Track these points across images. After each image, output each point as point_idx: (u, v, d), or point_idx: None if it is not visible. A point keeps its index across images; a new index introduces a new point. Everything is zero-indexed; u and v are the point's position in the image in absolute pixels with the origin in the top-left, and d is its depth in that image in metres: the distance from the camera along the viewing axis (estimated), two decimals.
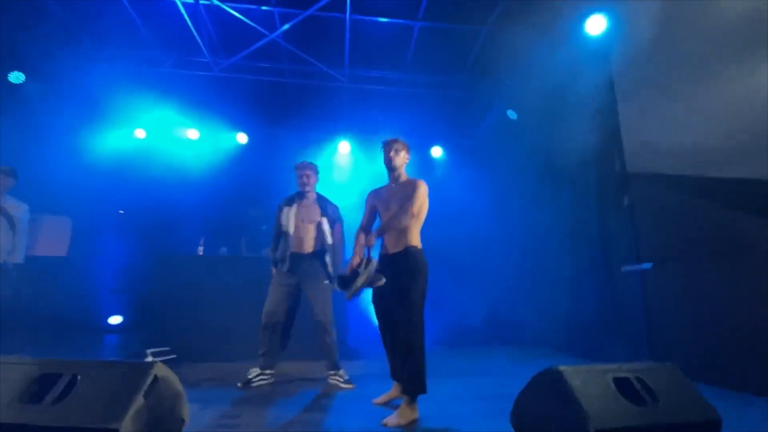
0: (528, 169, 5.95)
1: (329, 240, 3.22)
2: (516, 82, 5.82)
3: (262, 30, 5.15)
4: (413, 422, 2.13)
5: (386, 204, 2.53)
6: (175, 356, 3.78)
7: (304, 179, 3.30)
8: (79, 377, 1.39)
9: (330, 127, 7.16)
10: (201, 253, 4.29)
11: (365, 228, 2.62)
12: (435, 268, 4.95)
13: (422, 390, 2.23)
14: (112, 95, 6.17)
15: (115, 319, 6.39)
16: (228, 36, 5.50)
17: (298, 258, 3.16)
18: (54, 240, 6.91)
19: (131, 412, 1.31)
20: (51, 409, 1.30)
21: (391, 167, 2.56)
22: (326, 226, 3.23)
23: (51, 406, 1.31)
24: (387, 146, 2.59)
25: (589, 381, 1.45)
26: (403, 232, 2.41)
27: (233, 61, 5.70)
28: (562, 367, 1.47)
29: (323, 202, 3.35)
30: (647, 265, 3.80)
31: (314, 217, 3.24)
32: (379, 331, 2.57)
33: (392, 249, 2.42)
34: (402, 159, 2.59)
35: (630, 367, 1.55)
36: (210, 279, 4.11)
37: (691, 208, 3.49)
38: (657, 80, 3.76)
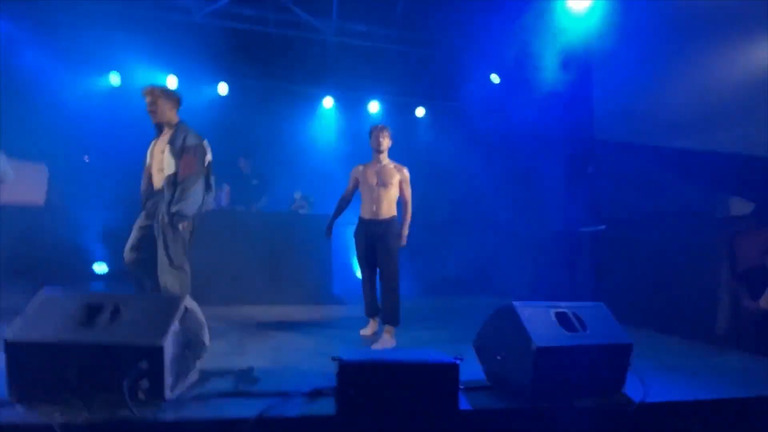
0: (507, 134, 6.23)
1: (165, 171, 2.67)
2: (500, 47, 5.93)
3: None
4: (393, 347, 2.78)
5: (371, 179, 3.05)
6: None
7: (152, 107, 2.78)
8: (121, 307, 1.66)
9: (313, 80, 7.10)
10: None
11: (346, 197, 3.23)
12: (419, 224, 5.29)
13: (398, 322, 2.92)
14: (86, 36, 5.87)
15: (100, 267, 6.53)
16: None
17: (149, 196, 2.79)
18: (30, 188, 6.80)
19: (169, 333, 1.61)
20: (104, 331, 1.58)
21: (379, 150, 3.07)
22: (167, 157, 2.66)
23: (102, 328, 1.59)
24: (376, 131, 3.09)
25: (535, 314, 1.85)
26: (390, 204, 3.05)
27: (216, 6, 5.50)
28: (515, 303, 1.86)
29: (178, 132, 2.76)
30: (601, 227, 4.28)
31: (162, 148, 2.72)
32: (362, 278, 3.16)
33: (381, 216, 3.02)
34: (387, 143, 3.11)
35: (568, 305, 1.96)
36: (205, 231, 4.31)
37: (647, 174, 3.89)
38: (634, 49, 3.96)
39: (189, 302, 1.78)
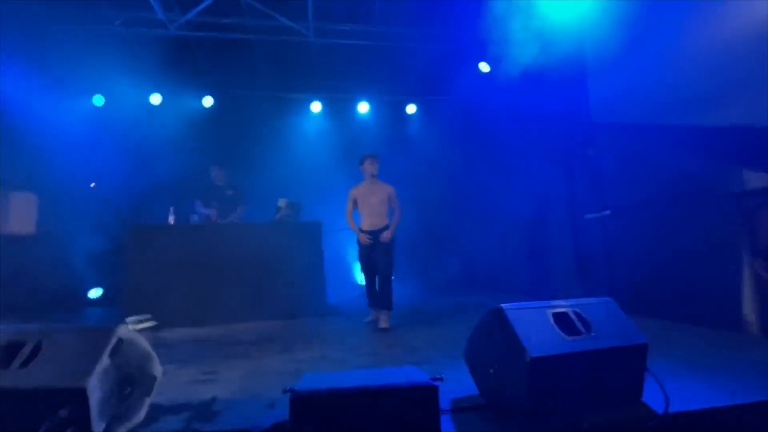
0: (500, 124, 5.97)
1: None
2: (486, 33, 5.67)
3: None
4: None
5: (367, 197, 3.77)
6: (156, 323, 3.86)
7: None
8: (43, 343, 1.44)
9: (300, 85, 6.92)
10: (172, 222, 4.26)
11: (350, 214, 3.86)
12: (413, 224, 5.18)
13: (392, 307, 3.60)
14: (64, 60, 5.78)
15: (95, 292, 6.39)
16: None
17: None
18: (22, 217, 6.72)
19: (97, 371, 1.37)
20: (18, 373, 1.36)
21: (373, 175, 3.79)
22: None
23: (18, 370, 1.36)
24: (370, 160, 3.79)
25: (528, 317, 1.58)
26: (383, 215, 3.76)
27: (189, 17, 5.35)
28: (504, 306, 1.59)
29: None
30: (607, 213, 3.98)
31: None
32: (364, 275, 3.87)
33: (378, 226, 3.73)
34: (377, 168, 3.80)
35: (568, 303, 1.69)
36: (183, 247, 4.12)
37: (650, 155, 3.61)
38: (626, 29, 3.74)
39: (125, 332, 1.55)
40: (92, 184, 6.55)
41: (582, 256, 4.29)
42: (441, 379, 1.35)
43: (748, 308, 2.83)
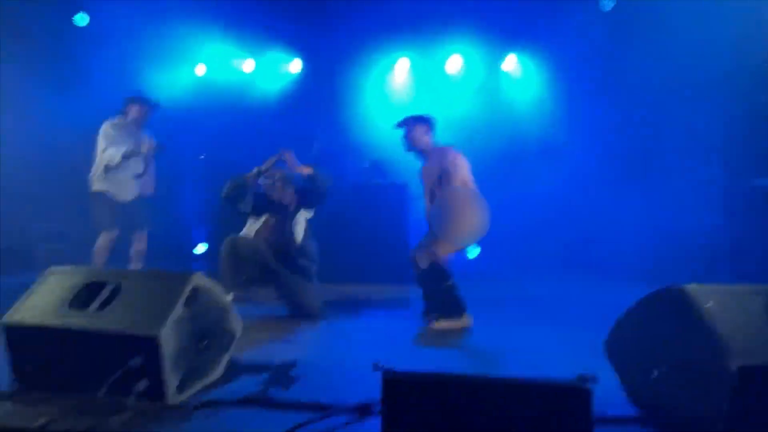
0: (638, 72, 4.77)
1: None
2: None
3: None
4: None
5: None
6: None
7: None
8: (123, 286, 1.34)
9: (385, 43, 6.47)
10: None
11: None
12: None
13: None
14: (159, 31, 5.96)
15: (201, 248, 6.95)
16: None
17: None
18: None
19: (171, 320, 1.23)
20: (95, 316, 1.27)
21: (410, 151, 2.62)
22: None
23: (95, 312, 1.28)
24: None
25: (728, 305, 1.06)
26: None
27: None
28: (688, 286, 1.09)
29: None
30: None
31: None
32: None
33: None
34: (417, 141, 2.56)
35: None
36: None
37: None
38: None
39: (201, 281, 1.39)
40: (202, 156, 6.94)
41: (741, 235, 3.33)
42: (595, 380, 0.93)
43: None
